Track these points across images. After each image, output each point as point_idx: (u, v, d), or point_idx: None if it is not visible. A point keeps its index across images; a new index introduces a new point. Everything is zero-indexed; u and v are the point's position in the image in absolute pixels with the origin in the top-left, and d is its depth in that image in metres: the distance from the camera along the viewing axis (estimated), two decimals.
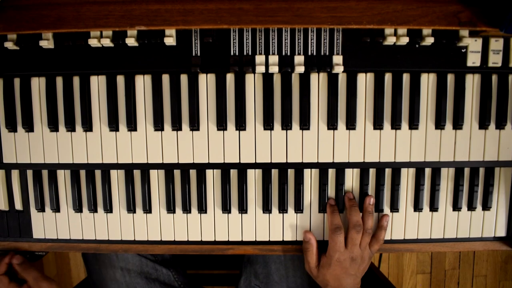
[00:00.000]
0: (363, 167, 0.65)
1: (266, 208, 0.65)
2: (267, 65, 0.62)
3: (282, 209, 0.65)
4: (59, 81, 0.64)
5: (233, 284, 0.86)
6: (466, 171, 0.65)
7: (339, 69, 0.62)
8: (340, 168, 0.65)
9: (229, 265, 1.07)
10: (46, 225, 0.67)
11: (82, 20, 0.58)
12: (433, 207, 0.65)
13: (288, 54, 0.62)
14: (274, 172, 0.65)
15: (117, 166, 0.65)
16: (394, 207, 0.65)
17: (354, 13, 0.57)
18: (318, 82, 0.63)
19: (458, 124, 0.63)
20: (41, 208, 0.67)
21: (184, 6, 0.57)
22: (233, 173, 0.65)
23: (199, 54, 0.63)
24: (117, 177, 0.66)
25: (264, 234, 0.66)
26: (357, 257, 0.62)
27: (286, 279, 0.74)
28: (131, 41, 0.61)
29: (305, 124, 0.63)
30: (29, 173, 0.66)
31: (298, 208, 0.65)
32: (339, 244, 0.61)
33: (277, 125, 0.64)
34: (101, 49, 0.63)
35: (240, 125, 0.63)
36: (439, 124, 0.63)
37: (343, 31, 0.62)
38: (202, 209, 0.65)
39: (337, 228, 0.62)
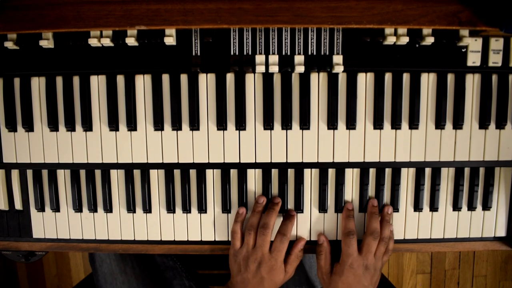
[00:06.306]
0: (363, 167, 0.65)
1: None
2: (267, 65, 0.62)
3: (282, 209, 0.65)
4: (59, 80, 0.64)
5: None
6: (466, 171, 0.65)
7: (339, 69, 0.62)
8: (340, 168, 0.65)
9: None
10: (46, 225, 0.67)
11: (82, 19, 0.58)
12: (433, 207, 0.65)
13: (288, 53, 0.62)
14: (274, 172, 0.65)
15: (117, 166, 0.65)
16: (394, 207, 0.65)
17: (354, 13, 0.57)
18: (318, 82, 0.63)
19: (458, 124, 0.63)
20: (41, 208, 0.66)
21: (184, 6, 0.57)
22: (233, 173, 0.65)
23: (199, 53, 0.63)
24: (117, 177, 0.66)
25: None
26: (371, 265, 0.61)
27: None
28: (131, 41, 0.61)
29: (305, 124, 0.63)
30: (29, 173, 0.66)
31: (298, 208, 0.65)
32: (351, 248, 0.61)
33: (277, 125, 0.64)
34: (101, 49, 0.63)
35: (240, 125, 0.63)
36: (439, 124, 0.63)
37: (343, 30, 0.62)
38: (202, 209, 0.65)
39: (350, 233, 0.62)
